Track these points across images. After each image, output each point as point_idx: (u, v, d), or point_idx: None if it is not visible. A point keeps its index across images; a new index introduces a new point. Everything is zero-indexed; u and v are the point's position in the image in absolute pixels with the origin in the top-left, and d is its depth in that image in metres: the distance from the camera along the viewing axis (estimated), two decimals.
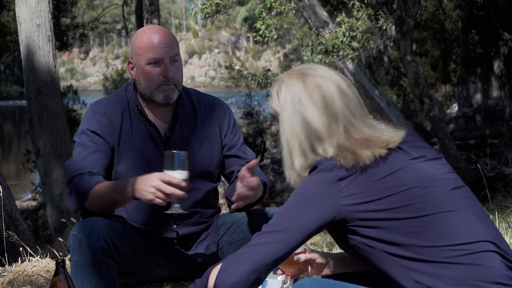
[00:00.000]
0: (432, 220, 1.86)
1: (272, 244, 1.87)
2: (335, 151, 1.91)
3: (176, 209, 2.41)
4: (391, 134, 1.96)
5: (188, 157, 2.46)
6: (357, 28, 6.97)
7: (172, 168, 2.36)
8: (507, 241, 3.32)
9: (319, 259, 2.24)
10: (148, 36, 2.68)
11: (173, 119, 2.76)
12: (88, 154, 2.65)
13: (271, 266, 1.90)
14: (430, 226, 1.85)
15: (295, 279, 2.38)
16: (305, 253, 2.22)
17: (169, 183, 2.34)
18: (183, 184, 2.35)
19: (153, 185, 2.36)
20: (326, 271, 2.26)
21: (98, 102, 2.79)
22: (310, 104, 1.94)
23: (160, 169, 2.47)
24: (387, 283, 1.94)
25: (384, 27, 7.25)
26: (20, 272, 3.15)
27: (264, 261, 1.87)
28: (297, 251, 2.21)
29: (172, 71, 2.67)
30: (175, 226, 2.74)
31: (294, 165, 1.97)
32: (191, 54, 74.20)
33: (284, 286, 2.33)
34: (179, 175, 2.36)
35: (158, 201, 2.37)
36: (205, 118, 2.82)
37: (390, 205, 1.85)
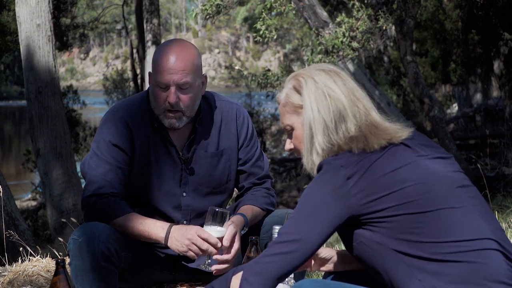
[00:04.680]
0: (436, 215, 1.88)
1: (291, 254, 1.93)
2: (356, 131, 1.98)
3: (206, 265, 2.47)
4: (398, 129, 2.01)
5: (207, 175, 2.61)
6: (357, 28, 6.97)
7: (213, 224, 2.43)
8: None
9: (323, 253, 2.27)
10: (164, 55, 2.53)
11: (191, 136, 2.67)
12: (109, 170, 2.57)
13: (292, 272, 1.96)
14: (434, 222, 1.87)
15: (296, 274, 2.41)
16: None
17: (206, 241, 2.40)
18: (219, 245, 2.41)
19: (189, 238, 2.40)
20: (328, 267, 2.28)
21: (120, 109, 2.65)
22: (335, 86, 2.04)
23: (175, 187, 2.61)
24: (389, 283, 1.94)
25: (384, 27, 7.25)
26: (20, 272, 3.15)
27: (285, 270, 1.94)
28: None
29: (176, 99, 2.53)
30: None
31: (315, 146, 2.01)
32: None
33: (286, 280, 2.34)
34: (217, 233, 2.42)
35: (191, 254, 2.42)
36: (224, 131, 2.72)
37: (397, 201, 1.88)
